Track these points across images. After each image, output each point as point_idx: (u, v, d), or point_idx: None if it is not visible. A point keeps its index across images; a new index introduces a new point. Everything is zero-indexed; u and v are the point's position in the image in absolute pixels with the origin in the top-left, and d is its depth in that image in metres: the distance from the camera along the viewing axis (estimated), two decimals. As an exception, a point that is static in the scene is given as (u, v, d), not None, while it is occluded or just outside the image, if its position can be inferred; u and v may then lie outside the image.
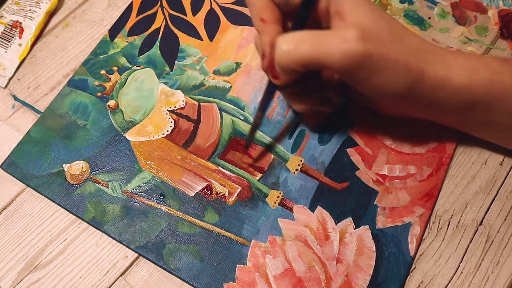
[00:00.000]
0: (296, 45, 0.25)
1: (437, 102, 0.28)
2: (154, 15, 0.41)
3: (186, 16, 0.40)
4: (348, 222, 0.32)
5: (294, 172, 0.34)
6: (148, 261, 0.32)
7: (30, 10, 0.41)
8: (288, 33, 0.26)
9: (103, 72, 0.38)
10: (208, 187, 0.33)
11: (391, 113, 0.33)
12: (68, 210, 0.33)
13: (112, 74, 0.38)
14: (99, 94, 0.37)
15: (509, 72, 0.28)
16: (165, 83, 0.37)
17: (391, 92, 0.27)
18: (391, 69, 0.26)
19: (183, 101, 0.37)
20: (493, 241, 0.31)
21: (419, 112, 0.31)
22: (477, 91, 0.27)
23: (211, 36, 0.39)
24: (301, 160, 0.34)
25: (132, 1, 0.41)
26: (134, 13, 0.41)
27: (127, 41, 0.39)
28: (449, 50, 0.28)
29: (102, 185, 0.34)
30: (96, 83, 0.38)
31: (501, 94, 0.27)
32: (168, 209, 0.33)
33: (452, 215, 0.32)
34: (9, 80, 0.39)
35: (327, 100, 0.32)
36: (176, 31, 0.40)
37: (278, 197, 0.33)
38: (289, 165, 0.34)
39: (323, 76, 0.31)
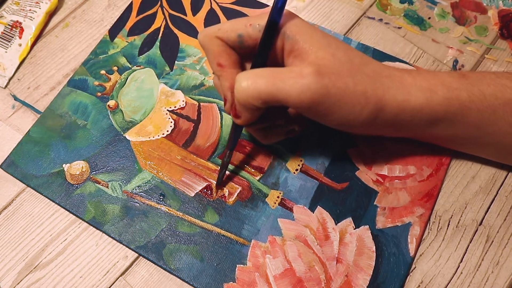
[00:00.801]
0: (254, 81, 0.25)
1: (401, 124, 0.29)
2: (154, 15, 0.41)
3: (186, 16, 0.40)
4: (348, 222, 0.32)
5: (294, 172, 0.34)
6: (148, 261, 0.32)
7: (30, 10, 0.41)
8: (246, 71, 0.27)
9: (103, 72, 0.38)
10: (208, 187, 0.33)
11: (360, 134, 0.33)
12: (68, 210, 0.33)
13: (112, 74, 0.38)
14: (99, 94, 0.37)
15: (466, 88, 0.28)
16: (165, 83, 0.37)
17: (353, 123, 0.27)
18: (350, 102, 0.26)
19: (183, 101, 0.37)
20: (493, 241, 0.31)
21: (387, 133, 0.31)
22: (436, 109, 0.28)
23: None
24: (301, 160, 0.34)
25: (132, 1, 0.41)
26: (134, 13, 0.41)
27: (127, 41, 0.39)
28: (407, 71, 0.29)
29: (102, 185, 0.34)
30: (96, 83, 0.38)
31: (460, 110, 0.28)
32: (168, 209, 0.33)
33: (452, 215, 0.32)
34: (9, 80, 0.39)
35: (293, 131, 0.32)
36: (176, 31, 0.40)
37: (278, 197, 0.33)
38: (289, 165, 0.34)
39: (289, 110, 0.32)
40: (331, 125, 0.28)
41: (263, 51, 0.27)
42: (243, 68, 0.29)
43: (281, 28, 0.27)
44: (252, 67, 0.28)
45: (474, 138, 0.30)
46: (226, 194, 0.33)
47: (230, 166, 0.34)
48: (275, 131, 0.31)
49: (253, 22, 0.27)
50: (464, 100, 0.28)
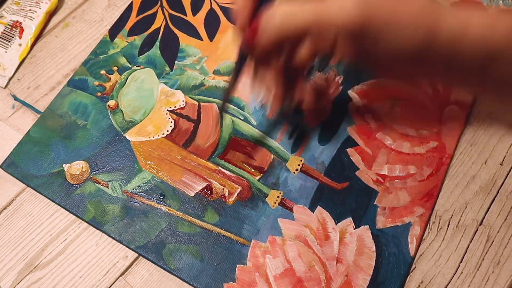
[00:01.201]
0: (297, 8, 0.24)
1: (454, 60, 0.26)
2: (154, 15, 0.41)
3: (186, 16, 0.40)
4: (348, 222, 0.32)
5: (294, 172, 0.34)
6: (148, 261, 0.32)
7: (30, 10, 0.41)
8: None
9: (103, 72, 0.38)
10: (208, 187, 0.33)
11: (408, 78, 0.31)
12: (68, 210, 0.33)
13: (112, 74, 0.38)
14: (99, 94, 0.37)
15: None
16: (165, 83, 0.37)
17: (403, 52, 0.25)
18: (399, 24, 0.24)
19: (183, 101, 0.37)
20: (493, 241, 0.31)
21: (435, 74, 0.28)
22: (497, 42, 0.25)
23: (211, 36, 0.39)
24: (301, 160, 0.34)
25: (132, 1, 0.41)
26: (134, 13, 0.41)
27: (127, 41, 0.39)
28: (465, 3, 0.27)
29: (102, 185, 0.34)
30: (96, 83, 0.38)
31: None
32: (168, 209, 0.33)
33: (452, 215, 0.32)
34: (9, 80, 0.39)
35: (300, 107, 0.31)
36: (176, 31, 0.40)
37: (278, 197, 0.33)
38: (289, 165, 0.34)
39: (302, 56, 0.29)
40: (379, 55, 0.26)
41: None
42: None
43: None
44: None
45: None
46: (226, 194, 0.33)
47: (230, 166, 0.34)
48: (290, 88, 0.29)
49: None
50: None
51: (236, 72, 0.29)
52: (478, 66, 0.26)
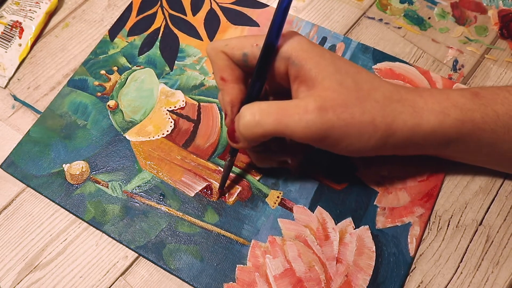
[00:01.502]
0: (260, 117, 0.25)
1: (412, 146, 0.28)
2: (154, 15, 0.41)
3: (186, 16, 0.40)
4: (348, 222, 0.32)
5: (294, 173, 0.34)
6: (148, 261, 0.32)
7: (30, 10, 0.41)
8: (252, 103, 0.26)
9: (103, 72, 0.38)
10: (208, 187, 0.33)
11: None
12: (68, 210, 0.33)
13: (112, 74, 0.38)
14: (99, 94, 0.37)
15: (479, 108, 0.28)
16: (165, 83, 0.37)
17: (362, 150, 0.27)
18: (357, 132, 0.26)
19: (183, 101, 0.37)
20: (493, 241, 0.31)
21: (398, 153, 0.31)
22: (449, 131, 0.27)
23: (211, 36, 0.39)
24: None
25: (132, 1, 0.41)
26: (134, 13, 0.41)
27: (127, 41, 0.39)
28: (418, 93, 0.28)
29: (102, 185, 0.34)
30: (96, 83, 0.38)
31: (473, 131, 0.28)
32: (168, 209, 0.33)
33: (452, 215, 0.32)
34: (9, 80, 0.39)
35: (286, 163, 0.32)
36: (176, 31, 0.40)
37: (278, 197, 0.33)
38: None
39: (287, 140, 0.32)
40: (340, 153, 0.28)
41: (261, 74, 0.27)
42: (246, 85, 0.29)
43: (286, 52, 0.26)
44: (250, 91, 0.28)
45: (488, 155, 0.30)
46: (226, 194, 0.33)
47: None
48: (269, 157, 0.31)
49: (260, 43, 0.27)
50: (478, 121, 0.27)
51: (230, 163, 0.31)
52: (433, 150, 0.30)
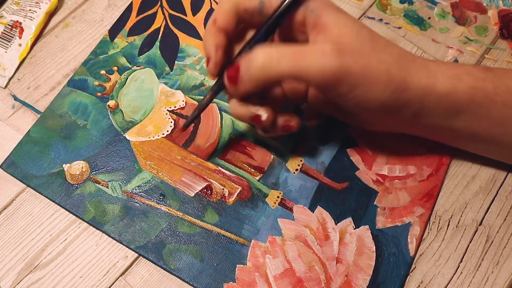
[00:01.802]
0: (277, 58, 0.25)
1: (422, 112, 0.28)
2: (154, 15, 0.41)
3: (186, 16, 0.40)
4: (348, 222, 0.32)
5: (294, 172, 0.34)
6: (148, 261, 0.32)
7: (30, 10, 0.41)
8: (265, 45, 0.26)
9: (103, 72, 0.38)
10: (208, 187, 0.33)
11: (377, 129, 0.32)
12: (68, 210, 0.33)
13: (112, 74, 0.38)
14: (99, 94, 0.37)
15: (491, 79, 0.28)
16: (165, 83, 0.37)
17: (374, 103, 0.27)
18: (371, 80, 0.25)
19: (183, 101, 0.37)
20: (493, 241, 0.31)
21: (405, 125, 0.30)
22: (462, 98, 0.27)
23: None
24: (301, 160, 0.34)
25: (132, 1, 0.41)
26: (134, 13, 0.41)
27: (127, 41, 0.39)
28: (431, 60, 0.28)
29: (102, 185, 0.34)
30: (96, 83, 0.38)
31: (485, 102, 0.27)
32: (168, 209, 0.33)
33: (452, 215, 0.32)
34: (9, 80, 0.39)
35: (289, 126, 0.30)
36: (176, 31, 0.40)
37: (278, 197, 0.33)
38: (289, 165, 0.34)
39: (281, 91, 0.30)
40: (351, 106, 0.27)
41: (277, 22, 0.26)
42: (230, 48, 0.28)
43: (304, 2, 0.26)
44: (262, 33, 0.27)
45: (494, 136, 0.29)
46: (226, 194, 0.33)
47: (230, 166, 0.34)
48: (246, 106, 0.29)
49: None
50: (490, 91, 0.27)
51: (207, 102, 0.30)
52: (444, 119, 0.29)
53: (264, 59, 0.25)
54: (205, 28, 0.40)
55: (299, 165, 0.34)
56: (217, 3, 0.41)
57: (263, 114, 0.28)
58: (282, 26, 0.27)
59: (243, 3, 0.27)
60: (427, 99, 0.27)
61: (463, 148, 0.33)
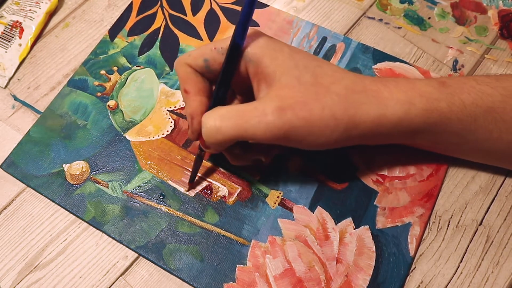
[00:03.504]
0: (219, 123, 0.26)
1: (379, 137, 0.28)
2: (154, 15, 0.41)
3: (186, 16, 0.40)
4: (348, 222, 0.32)
5: (294, 173, 0.34)
6: (148, 261, 0.32)
7: (30, 10, 0.41)
8: (212, 110, 0.27)
9: (103, 72, 0.38)
10: (208, 187, 0.33)
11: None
12: (68, 210, 0.33)
13: (112, 74, 0.38)
14: (99, 94, 0.37)
15: (446, 98, 0.27)
16: (165, 83, 0.37)
17: (326, 144, 0.27)
18: (317, 128, 0.26)
19: (183, 101, 0.37)
20: (493, 241, 0.31)
21: (368, 143, 0.30)
22: (415, 121, 0.27)
23: (211, 36, 0.39)
24: (301, 161, 0.34)
25: (132, 1, 0.41)
26: (134, 13, 0.41)
27: (127, 41, 0.39)
28: (383, 83, 0.28)
29: (102, 185, 0.34)
30: (96, 83, 0.38)
31: (440, 121, 0.28)
32: (168, 209, 0.33)
33: (452, 215, 0.32)
34: (9, 80, 0.39)
35: (260, 161, 0.32)
36: (176, 31, 0.40)
37: (278, 197, 0.33)
38: (289, 165, 0.34)
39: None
40: (307, 149, 0.28)
41: (225, 76, 0.27)
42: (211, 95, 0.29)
43: (244, 52, 0.27)
44: (216, 94, 0.28)
45: (457, 145, 0.30)
46: (226, 194, 0.33)
47: (230, 166, 0.34)
48: (243, 156, 0.31)
49: (217, 46, 0.27)
50: (444, 110, 0.27)
51: (198, 161, 0.32)
52: (403, 139, 0.29)
53: (210, 125, 0.26)
54: (205, 29, 0.40)
55: (299, 165, 0.34)
56: (217, 3, 0.41)
57: (261, 158, 0.31)
58: (234, 80, 0.28)
59: (192, 64, 0.28)
60: (379, 128, 0.27)
61: (435, 152, 0.33)
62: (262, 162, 0.32)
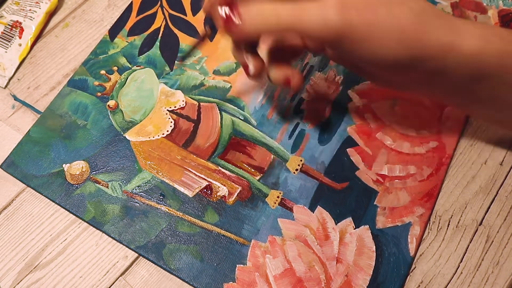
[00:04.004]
0: (275, 7, 0.23)
1: (444, 71, 0.25)
2: (154, 15, 0.41)
3: (186, 16, 0.40)
4: (348, 222, 0.32)
5: (294, 172, 0.34)
6: (148, 261, 0.32)
7: (30, 10, 0.41)
8: None
9: (103, 72, 0.38)
10: (208, 187, 0.33)
11: (391, 87, 0.30)
12: (68, 210, 0.33)
13: (112, 74, 0.38)
14: (99, 94, 0.37)
15: None
16: (165, 83, 0.37)
17: (385, 60, 0.24)
18: (381, 37, 0.23)
19: (183, 101, 0.37)
20: (493, 241, 0.31)
21: (421, 86, 0.28)
22: (489, 61, 0.24)
23: (211, 36, 0.39)
24: (301, 160, 0.34)
25: (132, 1, 0.41)
26: (134, 13, 0.41)
27: (127, 41, 0.39)
28: (459, 18, 0.25)
29: (102, 185, 0.34)
30: (96, 83, 0.38)
31: None
32: (168, 209, 0.33)
33: (452, 215, 0.32)
34: (9, 80, 0.39)
35: (288, 82, 0.28)
36: (176, 31, 0.40)
37: (278, 197, 0.33)
38: (289, 165, 0.34)
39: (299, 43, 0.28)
40: (360, 62, 0.26)
41: None
42: None
43: None
44: None
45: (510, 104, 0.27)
46: (226, 194, 0.33)
47: (230, 166, 0.34)
48: (265, 66, 0.28)
49: None
50: None
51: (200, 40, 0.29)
52: (466, 81, 0.26)
53: (264, 6, 0.23)
54: (205, 28, 0.40)
55: (299, 165, 0.34)
56: (217, 3, 0.41)
57: (251, 67, 0.27)
58: None
59: None
60: (449, 58, 0.24)
61: (476, 116, 0.30)
62: (288, 86, 0.28)
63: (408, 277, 0.31)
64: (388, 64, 0.24)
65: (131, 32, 0.40)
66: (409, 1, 0.23)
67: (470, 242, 0.31)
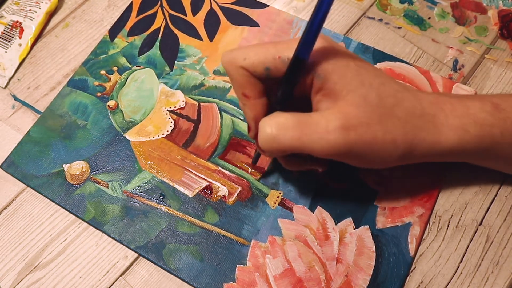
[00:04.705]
0: (278, 132, 0.25)
1: (431, 159, 0.29)
2: (154, 15, 0.41)
3: (186, 16, 0.40)
4: (348, 222, 0.32)
5: (294, 172, 0.33)
6: (148, 261, 0.32)
7: (30, 10, 0.41)
8: (271, 116, 0.26)
9: (103, 72, 0.38)
10: (208, 187, 0.33)
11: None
12: (68, 210, 0.33)
13: (112, 74, 0.38)
14: (99, 94, 0.37)
15: (499, 124, 0.27)
16: (165, 83, 0.37)
17: (382, 165, 0.28)
18: (377, 151, 0.26)
19: (183, 101, 0.37)
20: (493, 241, 0.31)
21: (421, 161, 0.30)
22: (467, 148, 0.27)
23: (211, 36, 0.39)
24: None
25: (132, 1, 0.41)
26: (134, 13, 0.41)
27: (127, 41, 0.39)
28: (439, 106, 0.27)
29: (102, 185, 0.34)
30: (96, 83, 0.38)
31: (491, 146, 0.28)
32: (168, 209, 0.33)
33: (452, 215, 0.32)
34: (9, 80, 0.39)
35: (316, 170, 0.31)
36: (176, 31, 0.40)
37: (278, 197, 0.33)
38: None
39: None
40: (360, 166, 0.28)
41: (288, 88, 0.26)
42: (269, 97, 0.28)
43: (311, 65, 0.25)
44: (275, 102, 0.27)
45: (503, 166, 0.31)
46: (226, 194, 0.33)
47: (230, 166, 0.34)
48: (298, 163, 0.30)
49: (282, 55, 0.26)
50: (496, 136, 0.27)
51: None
52: (451, 160, 0.30)
53: (267, 133, 0.25)
54: (205, 29, 0.40)
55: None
56: (217, 3, 0.41)
57: (318, 168, 0.31)
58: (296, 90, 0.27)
59: (250, 70, 0.27)
60: (432, 152, 0.27)
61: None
62: (318, 171, 0.32)
63: (408, 277, 0.31)
64: (385, 166, 0.29)
65: (131, 32, 0.40)
66: (396, 110, 0.26)
67: (470, 242, 0.31)
